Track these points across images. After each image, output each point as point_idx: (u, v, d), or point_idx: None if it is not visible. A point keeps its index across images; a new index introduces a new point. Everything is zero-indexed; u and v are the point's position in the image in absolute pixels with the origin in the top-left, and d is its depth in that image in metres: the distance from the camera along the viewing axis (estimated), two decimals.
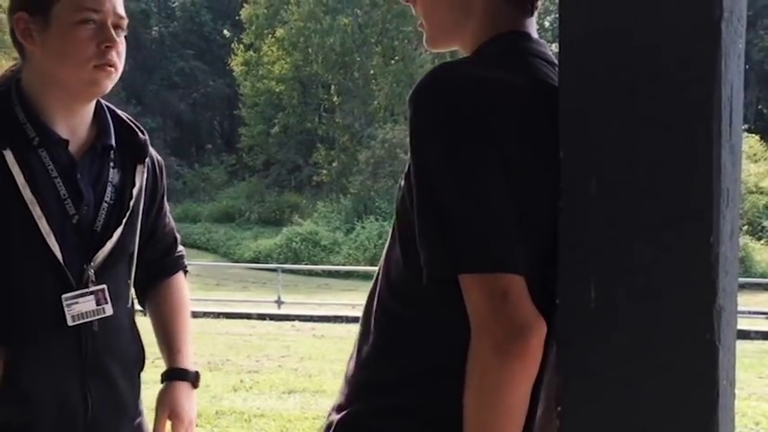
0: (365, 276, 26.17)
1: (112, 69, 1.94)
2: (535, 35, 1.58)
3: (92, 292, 1.95)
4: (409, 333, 1.50)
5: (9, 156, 1.87)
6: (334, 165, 35.96)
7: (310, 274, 26.93)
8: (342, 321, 15.57)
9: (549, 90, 1.43)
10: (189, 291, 2.34)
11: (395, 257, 1.51)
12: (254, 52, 39.20)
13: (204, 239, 32.56)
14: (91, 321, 1.96)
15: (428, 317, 1.47)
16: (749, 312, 16.37)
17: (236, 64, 39.67)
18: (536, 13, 1.60)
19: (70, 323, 1.92)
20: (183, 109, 42.34)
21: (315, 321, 16.04)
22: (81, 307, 1.93)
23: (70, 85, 1.94)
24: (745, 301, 17.49)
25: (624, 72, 1.33)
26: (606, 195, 1.34)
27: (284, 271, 22.12)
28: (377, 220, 30.72)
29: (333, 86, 37.58)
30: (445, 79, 1.41)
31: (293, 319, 16.22)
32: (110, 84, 1.95)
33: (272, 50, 38.46)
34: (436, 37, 1.62)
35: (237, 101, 40.67)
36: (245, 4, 39.81)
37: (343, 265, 28.04)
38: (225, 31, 42.53)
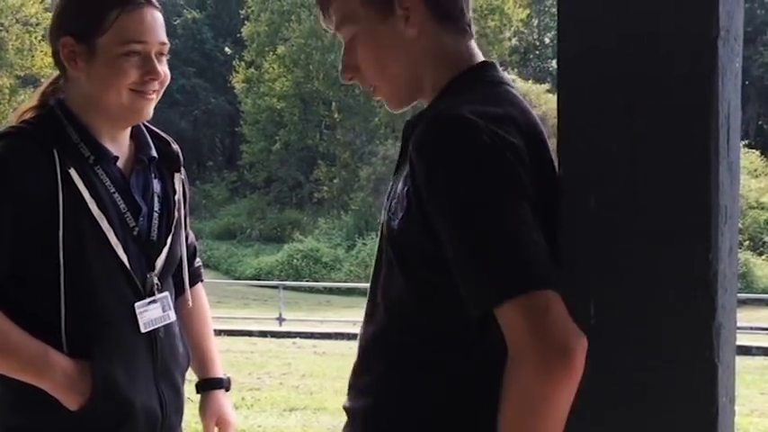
0: (366, 293, 26.01)
1: (153, 96, 2.01)
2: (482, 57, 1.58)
3: (158, 300, 2.05)
4: (412, 361, 1.49)
5: (74, 174, 1.93)
6: (335, 181, 35.95)
7: (311, 291, 26.88)
8: (343, 338, 15.53)
9: (531, 119, 1.47)
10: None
11: (397, 288, 1.50)
12: (256, 69, 39.24)
13: (205, 256, 32.40)
14: (158, 328, 2.05)
15: (433, 347, 1.47)
16: (750, 328, 16.33)
17: (237, 81, 39.71)
18: (473, 33, 1.59)
19: (143, 330, 2.01)
20: (184, 126, 42.30)
21: (316, 338, 16.01)
22: (150, 314, 2.03)
23: (111, 111, 2.00)
24: (747, 316, 17.44)
25: (622, 90, 1.34)
26: (605, 212, 1.35)
27: (285, 288, 22.05)
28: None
29: (334, 103, 37.60)
30: (452, 121, 1.39)
31: (294, 337, 16.19)
32: (150, 110, 2.03)
33: (273, 67, 38.51)
34: (398, 95, 1.60)
35: (239, 118, 40.67)
36: (246, 22, 39.89)
37: (345, 281, 27.97)
38: (226, 49, 42.60)
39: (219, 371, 2.33)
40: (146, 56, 1.98)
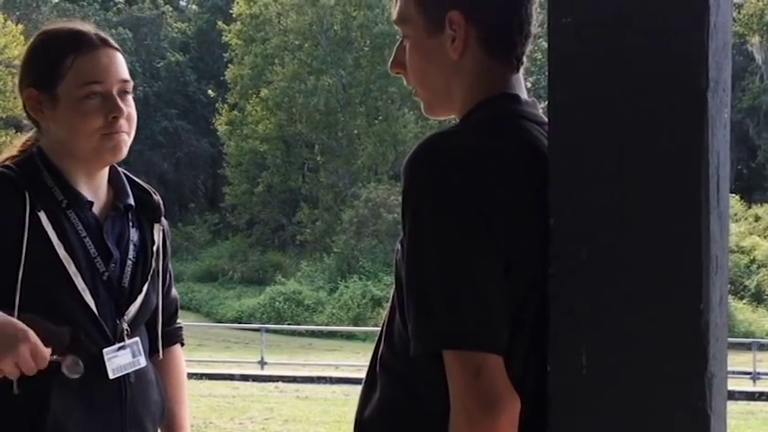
0: (349, 336, 25.93)
1: (123, 135, 2.01)
2: (524, 94, 1.58)
3: (127, 346, 2.02)
4: (408, 394, 1.51)
5: (43, 217, 1.94)
6: (317, 224, 35.92)
7: (293, 333, 26.73)
8: (326, 382, 15.44)
9: (539, 155, 1.45)
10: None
11: (396, 320, 1.52)
12: (239, 112, 39.31)
13: (187, 299, 32.18)
14: (128, 374, 2.02)
15: (424, 380, 1.48)
16: (732, 372, 16.34)
17: (220, 123, 39.76)
18: (523, 69, 1.60)
19: (111, 376, 1.99)
20: (166, 168, 42.28)
21: (298, 382, 15.90)
22: (120, 360, 2.00)
23: (84, 155, 2.01)
24: (728, 360, 17.45)
25: (613, 141, 1.35)
26: (596, 262, 1.35)
27: (267, 331, 21.92)
28: (360, 279, 30.63)
29: (317, 146, 37.72)
30: (436, 151, 1.43)
31: (277, 380, 16.07)
32: (124, 148, 2.02)
33: (256, 110, 38.59)
34: (433, 104, 1.62)
35: (221, 160, 40.68)
36: (229, 65, 40.04)
37: (327, 324, 27.87)
38: (209, 91, 42.60)
39: None
40: (106, 95, 1.99)
